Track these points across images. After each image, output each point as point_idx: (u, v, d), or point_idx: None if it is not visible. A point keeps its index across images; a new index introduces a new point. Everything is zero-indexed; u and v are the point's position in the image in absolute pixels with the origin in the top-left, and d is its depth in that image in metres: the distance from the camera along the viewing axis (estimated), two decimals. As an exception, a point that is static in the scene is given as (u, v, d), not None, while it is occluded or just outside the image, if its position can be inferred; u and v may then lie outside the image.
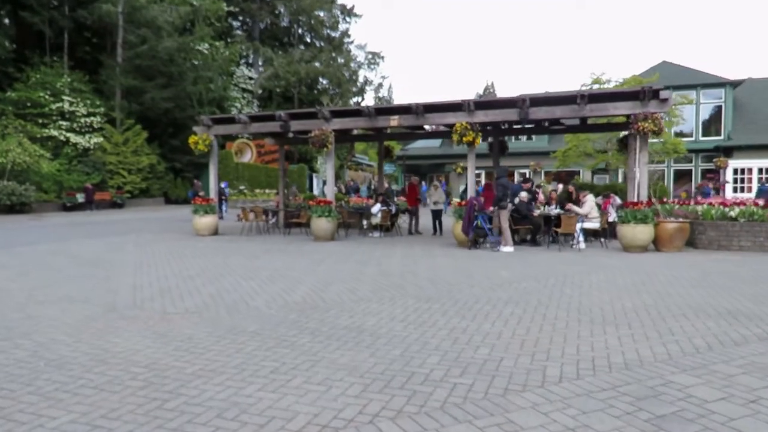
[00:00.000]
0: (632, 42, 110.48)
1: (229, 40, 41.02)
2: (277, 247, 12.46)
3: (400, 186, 36.89)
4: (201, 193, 22.76)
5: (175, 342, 4.77)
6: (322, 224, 13.70)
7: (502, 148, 16.73)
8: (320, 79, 44.80)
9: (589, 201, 12.67)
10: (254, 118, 15.18)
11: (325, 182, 47.11)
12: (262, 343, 4.69)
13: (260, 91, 42.19)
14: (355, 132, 18.09)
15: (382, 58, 46.33)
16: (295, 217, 16.28)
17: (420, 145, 43.33)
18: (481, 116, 12.67)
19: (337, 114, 14.23)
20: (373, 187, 39.37)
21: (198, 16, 34.53)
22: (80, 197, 27.72)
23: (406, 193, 19.05)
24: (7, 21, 30.98)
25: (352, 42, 46.17)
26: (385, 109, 13.54)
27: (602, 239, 12.94)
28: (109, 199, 30.07)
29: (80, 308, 6.21)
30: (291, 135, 18.90)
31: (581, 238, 12.14)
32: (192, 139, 15.12)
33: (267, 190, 37.71)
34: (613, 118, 15.92)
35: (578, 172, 35.82)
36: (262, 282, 7.80)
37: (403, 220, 17.02)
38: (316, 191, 39.27)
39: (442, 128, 16.37)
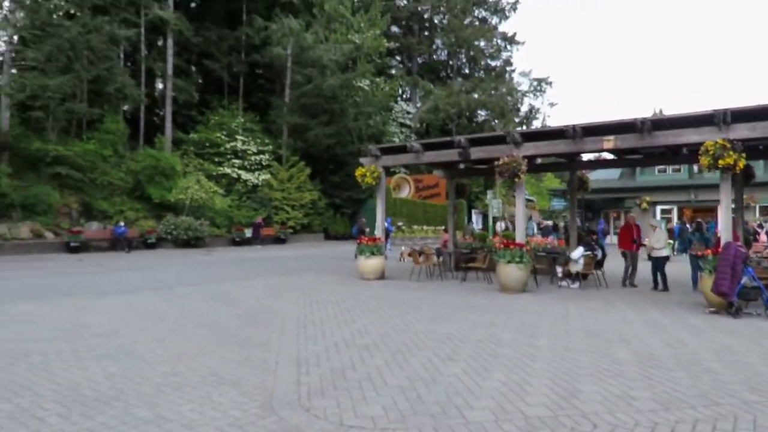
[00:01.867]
0: None
1: (388, 74, 40.91)
2: (459, 300, 10.05)
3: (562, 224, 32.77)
4: (366, 230, 21.47)
5: None
6: (512, 272, 11.03)
7: (747, 176, 12.65)
8: (479, 111, 42.71)
9: None
10: (428, 146, 13.18)
11: (488, 217, 44.03)
12: None
13: (418, 125, 41.27)
14: (539, 161, 15.38)
15: (550, 83, 43.04)
16: (470, 260, 13.82)
17: (593, 177, 38.70)
18: (744, 131, 9.16)
19: (529, 137, 11.63)
20: (541, 225, 35.64)
21: (360, 53, 34.63)
22: (247, 232, 28.31)
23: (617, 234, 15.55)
24: (193, 68, 33.74)
25: (514, 70, 43.68)
26: (595, 128, 10.64)
27: None
28: (274, 234, 30.49)
29: (227, 400, 4.31)
30: (462, 166, 16.75)
31: None
32: (359, 172, 13.55)
33: (425, 227, 36.04)
34: None
35: None
36: (469, 366, 5.36)
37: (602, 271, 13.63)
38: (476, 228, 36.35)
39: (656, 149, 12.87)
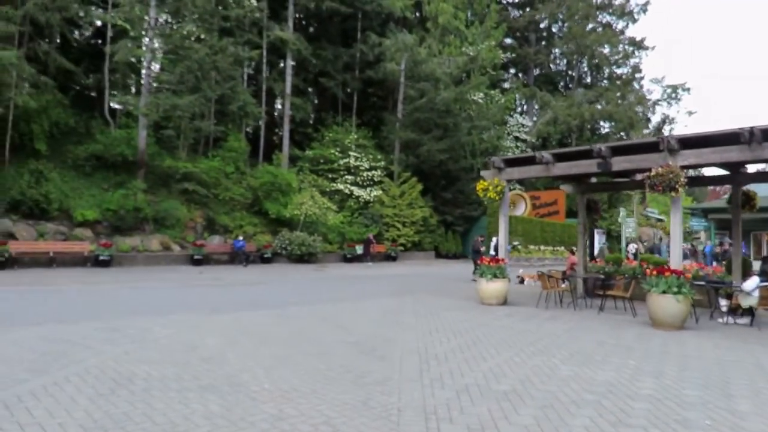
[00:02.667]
0: None
1: (503, 87, 39.33)
2: (606, 336, 8.46)
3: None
4: (482, 249, 20.15)
5: None
6: (668, 305, 9.22)
7: None
8: (603, 123, 39.56)
9: None
10: (560, 157, 11.71)
11: (614, 238, 40.38)
12: None
13: (535, 140, 39.10)
14: (692, 172, 13.21)
15: (687, 90, 38.72)
16: (608, 288, 12.02)
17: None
18: None
19: (689, 143, 9.79)
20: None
21: (474, 65, 33.52)
22: (359, 249, 28.07)
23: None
24: (310, 88, 34.63)
25: (643, 77, 40.01)
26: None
27: None
28: (384, 252, 30.02)
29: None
30: (594, 180, 14.98)
31: None
32: (481, 186, 12.39)
33: (542, 247, 33.75)
34: None
35: None
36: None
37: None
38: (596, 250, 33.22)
39: None
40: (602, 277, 12.33)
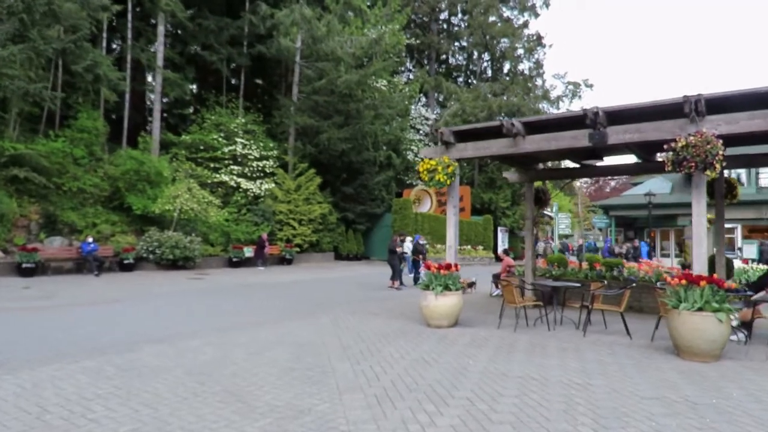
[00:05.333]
0: None
1: (407, 75, 36.77)
2: (638, 379, 5.49)
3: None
4: (399, 249, 17.04)
5: None
6: (707, 327, 6.55)
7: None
8: (509, 116, 38.48)
9: None
10: (534, 127, 8.73)
11: (519, 239, 39.94)
12: None
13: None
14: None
15: (590, 86, 38.69)
16: (613, 301, 9.21)
17: (637, 191, 34.32)
18: None
19: (718, 105, 7.22)
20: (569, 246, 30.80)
21: (378, 49, 30.39)
22: (248, 251, 23.71)
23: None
24: (189, 64, 29.28)
25: (544, 72, 39.63)
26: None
27: None
28: (278, 254, 25.88)
29: None
30: (542, 166, 12.48)
31: None
32: (425, 166, 9.07)
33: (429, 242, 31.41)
34: None
35: None
36: None
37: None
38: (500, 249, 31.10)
39: None
40: (577, 285, 9.54)
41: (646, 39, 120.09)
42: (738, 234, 29.34)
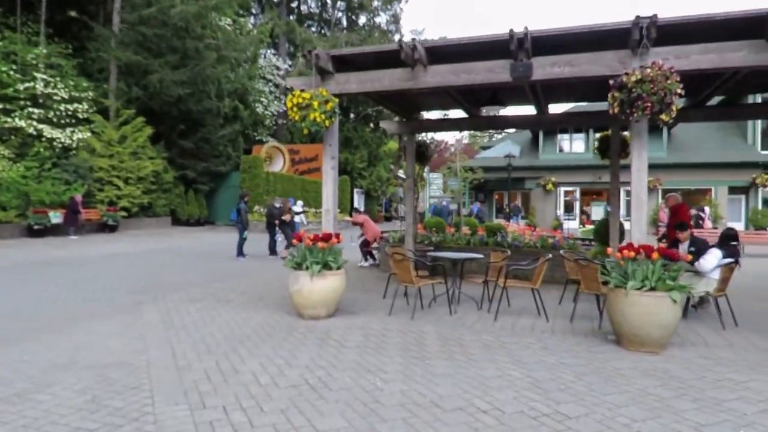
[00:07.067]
0: None
1: (255, 21, 32.71)
2: (594, 405, 3.90)
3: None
4: (293, 216, 14.44)
5: None
6: (659, 310, 5.27)
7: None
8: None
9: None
10: (438, 54, 6.69)
11: (374, 199, 37.90)
12: None
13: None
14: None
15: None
16: (525, 276, 7.65)
17: (488, 155, 34.88)
18: None
19: (669, 34, 5.84)
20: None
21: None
22: (55, 216, 18.96)
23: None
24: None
25: (402, 27, 38.08)
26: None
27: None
28: (98, 220, 21.32)
29: None
30: (425, 115, 10.78)
31: None
32: (295, 99, 6.56)
33: (306, 209, 29.10)
34: None
35: (710, 191, 27.59)
36: None
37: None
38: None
39: None
40: (480, 256, 7.90)
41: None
42: (577, 197, 31.29)
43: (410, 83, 6.77)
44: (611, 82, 5.62)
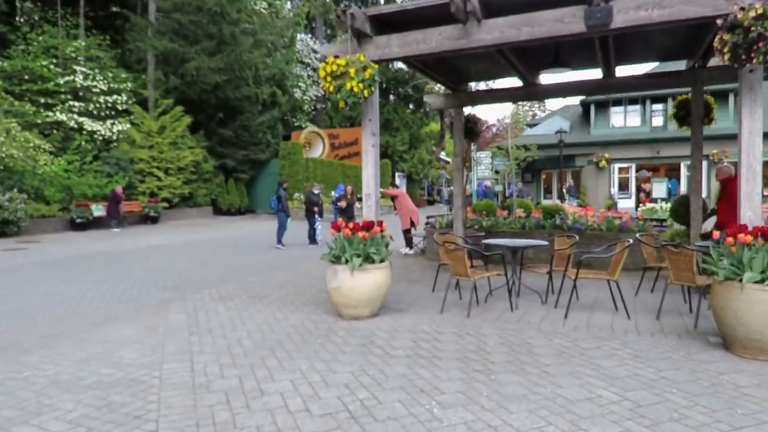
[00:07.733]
0: None
1: (291, 3, 32.01)
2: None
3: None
4: (351, 202, 13.85)
5: None
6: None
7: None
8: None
9: None
10: (496, 7, 5.64)
11: (416, 183, 36.92)
12: None
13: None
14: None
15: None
16: (601, 267, 6.66)
17: (534, 132, 33.22)
18: None
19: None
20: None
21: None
22: (97, 209, 18.90)
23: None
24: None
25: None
26: None
27: None
28: (139, 211, 21.24)
29: None
30: (474, 86, 9.67)
31: None
32: (328, 68, 5.65)
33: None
34: None
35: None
36: None
37: None
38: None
39: None
40: (545, 243, 6.86)
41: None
42: (632, 174, 29.34)
43: (462, 42, 5.76)
44: (719, 22, 4.47)
